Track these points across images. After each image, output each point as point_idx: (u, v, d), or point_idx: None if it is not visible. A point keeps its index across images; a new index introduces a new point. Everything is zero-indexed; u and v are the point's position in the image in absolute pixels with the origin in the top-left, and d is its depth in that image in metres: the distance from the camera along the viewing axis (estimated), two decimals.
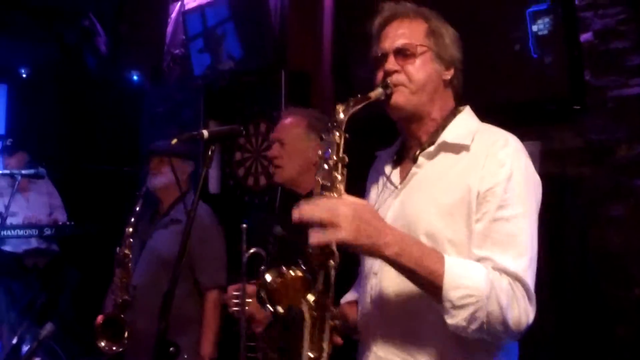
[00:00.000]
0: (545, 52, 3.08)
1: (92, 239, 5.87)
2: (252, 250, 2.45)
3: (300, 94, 4.63)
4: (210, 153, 2.05)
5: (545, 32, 3.07)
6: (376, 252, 1.56)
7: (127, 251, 3.17)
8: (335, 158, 1.64)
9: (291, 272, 1.78)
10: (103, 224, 5.72)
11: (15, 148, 6.04)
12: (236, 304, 2.50)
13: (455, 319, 1.55)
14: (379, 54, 1.85)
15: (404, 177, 1.87)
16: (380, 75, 1.83)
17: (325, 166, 1.64)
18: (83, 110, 7.50)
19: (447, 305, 1.55)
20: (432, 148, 1.81)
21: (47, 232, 5.72)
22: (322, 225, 1.49)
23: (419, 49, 1.80)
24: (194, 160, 3.53)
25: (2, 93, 8.04)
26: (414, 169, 1.83)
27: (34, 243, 5.86)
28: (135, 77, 6.58)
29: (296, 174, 2.74)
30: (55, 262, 5.99)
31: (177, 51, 6.33)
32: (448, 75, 1.85)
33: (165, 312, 1.90)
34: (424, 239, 1.69)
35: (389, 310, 1.77)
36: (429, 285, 1.57)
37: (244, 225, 2.47)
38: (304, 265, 1.69)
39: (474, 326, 1.55)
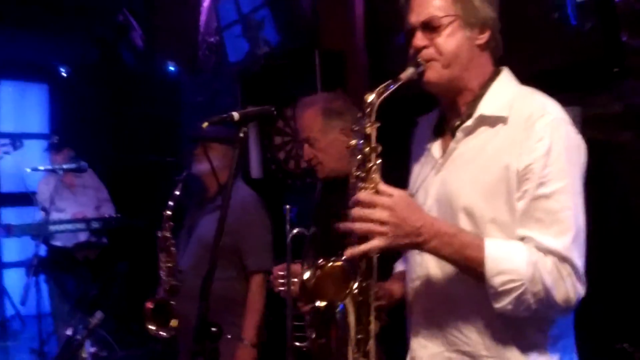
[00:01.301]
0: (584, 19, 3.00)
1: (140, 230, 5.96)
2: (295, 231, 2.44)
3: (334, 74, 4.60)
4: (241, 135, 2.03)
5: None
6: (418, 246, 1.59)
7: (167, 234, 3.18)
8: (368, 148, 1.64)
9: (330, 263, 1.78)
10: (149, 215, 5.81)
11: (60, 145, 6.14)
12: (282, 284, 2.50)
13: (501, 303, 1.55)
14: (408, 29, 1.78)
15: (443, 150, 1.82)
16: (411, 52, 1.76)
17: (359, 157, 1.64)
18: (124, 105, 7.61)
19: (492, 291, 1.55)
20: (470, 122, 1.74)
21: (95, 225, 5.83)
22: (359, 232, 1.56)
23: (445, 20, 1.70)
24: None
25: (44, 93, 8.21)
26: (452, 145, 1.77)
27: (83, 237, 5.97)
28: (171, 68, 6.62)
29: (336, 165, 2.71)
30: (105, 254, 6.10)
31: (211, 39, 6.36)
32: (482, 39, 1.74)
33: (205, 294, 1.90)
34: (463, 217, 1.67)
35: (435, 287, 1.75)
36: (472, 273, 1.58)
37: (287, 206, 2.46)
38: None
39: (521, 308, 1.55)
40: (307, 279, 1.79)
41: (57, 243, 5.86)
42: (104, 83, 7.63)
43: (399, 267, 2.08)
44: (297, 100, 2.88)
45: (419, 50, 1.73)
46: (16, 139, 5.30)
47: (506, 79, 1.79)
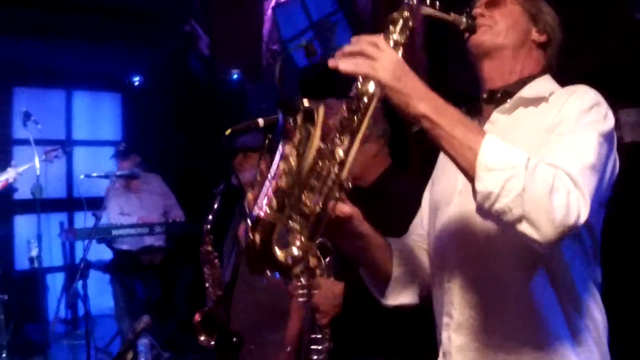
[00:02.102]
0: None
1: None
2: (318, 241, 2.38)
3: None
4: (267, 142, 2.01)
5: None
6: (409, 106, 1.36)
7: (209, 248, 3.20)
8: (404, 13, 1.48)
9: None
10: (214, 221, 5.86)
11: (128, 152, 6.31)
12: (302, 295, 2.46)
13: (485, 182, 1.32)
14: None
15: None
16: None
17: (391, 27, 1.47)
18: (191, 112, 7.74)
19: (479, 168, 1.33)
20: (508, 104, 1.68)
21: (158, 230, 5.93)
22: (361, 54, 1.37)
23: (510, 2, 1.72)
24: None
25: (117, 102, 8.46)
26: (487, 125, 1.68)
27: (148, 241, 6.10)
28: (235, 76, 6.69)
29: (359, 169, 2.66)
30: (169, 259, 6.19)
31: (275, 47, 6.39)
32: (539, 38, 1.74)
33: (227, 303, 1.89)
34: None
35: (467, 255, 1.61)
36: (464, 151, 1.36)
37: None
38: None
39: (506, 198, 1.30)
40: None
41: (123, 247, 6.00)
42: (174, 91, 7.79)
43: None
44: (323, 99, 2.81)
45: (476, 16, 1.71)
46: (66, 145, 5.43)
47: (549, 79, 1.74)
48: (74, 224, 7.75)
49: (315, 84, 5.31)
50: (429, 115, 1.35)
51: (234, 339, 1.86)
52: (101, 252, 6.36)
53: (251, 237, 1.35)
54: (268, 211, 1.35)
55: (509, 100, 1.68)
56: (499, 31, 1.69)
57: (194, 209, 6.54)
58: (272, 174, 1.37)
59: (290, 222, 1.36)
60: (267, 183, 1.38)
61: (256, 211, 1.36)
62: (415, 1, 1.52)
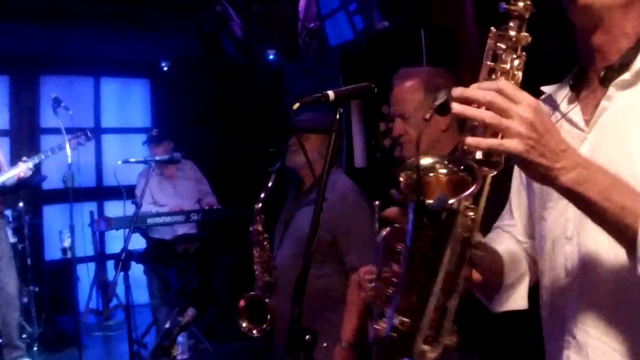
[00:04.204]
0: None
1: (243, 221, 5.83)
2: (385, 231, 2.08)
3: (443, 53, 4.25)
4: (338, 117, 1.74)
5: None
6: (548, 177, 1.19)
7: (259, 228, 3.01)
8: (513, 34, 1.25)
9: (448, 169, 1.34)
10: (252, 206, 5.67)
11: (161, 138, 6.12)
12: (371, 289, 2.19)
13: None
14: None
15: (589, 114, 1.44)
16: None
17: (502, 45, 1.25)
18: (226, 96, 7.57)
19: None
20: (627, 75, 1.38)
21: (194, 217, 5.74)
22: (488, 124, 1.16)
23: None
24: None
25: (146, 87, 8.29)
26: (604, 103, 1.40)
27: (181, 229, 5.92)
28: (271, 57, 6.44)
29: (427, 146, 2.39)
30: (206, 247, 6.02)
31: (311, 25, 6.13)
32: None
33: (299, 297, 1.63)
34: None
35: (596, 287, 1.37)
36: (618, 225, 1.19)
37: (377, 202, 2.10)
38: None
39: None
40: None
41: (156, 235, 5.83)
42: (206, 75, 7.61)
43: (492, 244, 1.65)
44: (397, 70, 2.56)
45: None
46: (89, 131, 5.27)
47: None
48: (103, 213, 7.60)
49: (358, 65, 5.08)
50: (570, 187, 1.19)
51: (307, 337, 1.59)
52: (133, 242, 6.21)
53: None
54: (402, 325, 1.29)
55: (629, 72, 1.37)
56: None
57: (229, 195, 6.36)
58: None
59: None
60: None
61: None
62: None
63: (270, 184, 3.02)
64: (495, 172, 1.22)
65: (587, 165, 1.20)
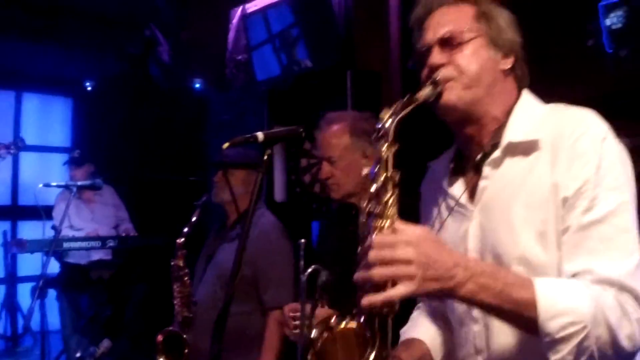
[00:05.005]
0: (620, 46, 2.86)
1: (159, 250, 5.77)
2: (310, 270, 2.17)
3: (368, 95, 4.41)
4: (266, 157, 1.81)
5: (619, 25, 2.83)
6: (447, 295, 1.29)
7: (181, 263, 2.98)
8: (383, 176, 1.33)
9: (342, 324, 1.46)
10: (170, 236, 5.63)
11: (81, 160, 6.01)
12: (295, 326, 2.26)
13: (560, 354, 1.25)
14: (422, 48, 1.53)
15: (471, 192, 1.54)
16: (425, 72, 1.51)
17: (373, 187, 1.33)
18: (148, 121, 7.47)
19: (547, 339, 1.26)
20: (497, 153, 1.48)
21: (110, 243, 5.65)
22: (377, 282, 1.25)
23: (467, 35, 1.48)
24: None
25: (68, 107, 8.13)
26: (482, 182, 1.50)
27: (96, 255, 5.81)
28: (197, 85, 6.47)
29: (353, 188, 2.52)
30: (120, 274, 5.91)
31: (239, 57, 6.21)
32: (507, 63, 1.52)
33: (219, 334, 1.68)
34: (522, 270, 1.39)
35: None
36: (522, 320, 1.29)
37: (302, 241, 2.18)
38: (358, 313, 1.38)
39: (582, 359, 1.26)
40: (313, 339, 1.47)
41: (71, 260, 5.70)
42: (129, 98, 7.50)
43: (408, 332, 1.76)
44: (323, 115, 2.67)
45: (435, 69, 1.47)
46: (17, 141, 5.11)
47: (529, 100, 1.55)
48: (17, 232, 7.36)
49: (284, 102, 5.17)
50: (475, 296, 1.27)
51: None
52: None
53: None
54: None
55: (498, 150, 1.48)
56: (468, 82, 1.47)
57: (148, 223, 6.28)
58: None
59: None
60: None
61: None
62: (387, 125, 1.35)
63: (194, 219, 3.01)
64: (392, 316, 1.30)
65: (480, 271, 1.27)
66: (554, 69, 3.23)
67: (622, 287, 1.28)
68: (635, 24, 2.82)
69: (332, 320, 1.46)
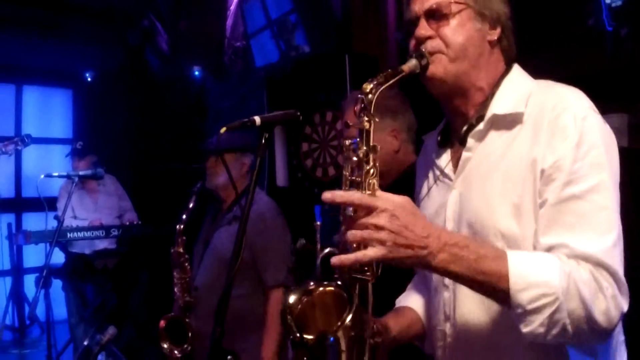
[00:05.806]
0: (620, 24, 2.86)
1: (163, 238, 5.80)
2: (326, 251, 2.19)
3: (367, 78, 4.41)
4: (263, 141, 1.83)
5: (619, 3, 2.84)
6: (421, 264, 1.30)
7: (180, 250, 2.99)
8: (364, 148, 1.35)
9: (320, 287, 1.47)
10: (173, 223, 5.65)
11: (84, 151, 6.03)
12: None
13: (531, 326, 1.28)
14: (410, 19, 1.54)
15: (455, 163, 1.57)
16: (412, 43, 1.52)
17: (354, 158, 1.35)
18: (149, 110, 7.51)
19: (518, 311, 1.28)
20: (481, 126, 1.50)
21: (114, 232, 5.68)
22: (350, 243, 1.28)
23: (454, 7, 1.49)
24: (252, 152, 3.34)
25: (68, 98, 8.15)
26: (465, 154, 1.53)
27: (101, 244, 5.84)
28: (196, 73, 6.48)
29: (383, 167, 2.50)
30: (124, 263, 5.95)
31: (238, 44, 6.21)
32: (494, 35, 1.53)
33: (221, 317, 1.70)
34: (496, 242, 1.41)
35: (469, 330, 1.50)
36: (494, 291, 1.31)
37: (318, 223, 2.19)
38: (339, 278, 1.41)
39: (554, 331, 1.28)
40: (291, 304, 1.46)
41: (75, 250, 5.74)
42: (129, 88, 7.54)
43: (401, 301, 1.80)
44: (326, 106, 2.66)
45: (422, 40, 1.49)
46: (24, 136, 5.13)
47: (518, 74, 1.56)
48: (22, 224, 7.41)
49: (282, 87, 5.18)
50: (443, 268, 1.30)
51: (229, 357, 1.66)
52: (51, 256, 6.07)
53: None
54: None
55: (482, 123, 1.50)
56: (454, 55, 1.48)
57: (151, 211, 6.32)
58: None
59: None
60: None
61: None
62: (372, 89, 1.36)
63: (191, 205, 3.02)
64: (372, 281, 1.33)
65: (453, 242, 1.29)
66: (555, 47, 3.25)
67: (598, 263, 1.30)
68: (636, 2, 2.82)
69: (311, 284, 1.47)
